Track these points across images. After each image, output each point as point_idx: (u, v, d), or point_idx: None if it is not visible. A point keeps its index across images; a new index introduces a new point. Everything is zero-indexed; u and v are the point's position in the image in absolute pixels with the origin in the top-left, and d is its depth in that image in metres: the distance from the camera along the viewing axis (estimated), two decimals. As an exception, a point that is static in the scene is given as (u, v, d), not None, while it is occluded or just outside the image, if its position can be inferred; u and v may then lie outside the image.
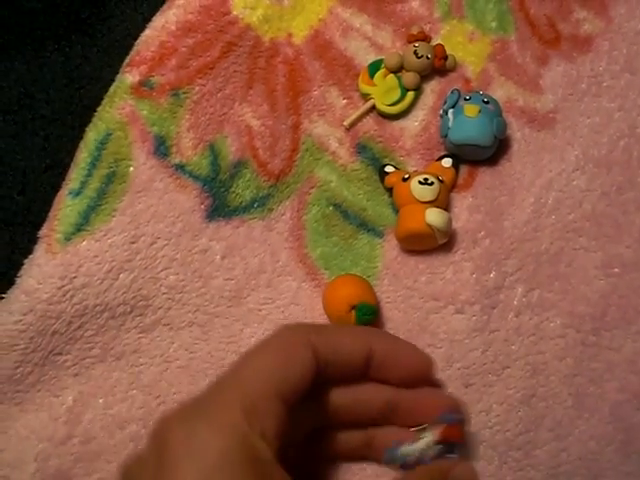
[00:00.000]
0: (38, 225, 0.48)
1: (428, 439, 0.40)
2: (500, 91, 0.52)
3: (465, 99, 0.49)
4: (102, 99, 0.51)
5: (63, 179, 0.49)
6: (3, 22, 0.57)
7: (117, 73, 0.51)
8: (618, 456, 0.44)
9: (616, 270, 0.47)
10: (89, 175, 0.49)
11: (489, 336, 0.47)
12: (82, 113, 0.53)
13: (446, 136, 0.49)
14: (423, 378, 0.42)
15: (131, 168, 0.49)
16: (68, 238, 0.47)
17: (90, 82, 0.55)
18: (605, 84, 0.52)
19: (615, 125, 0.51)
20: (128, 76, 0.50)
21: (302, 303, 0.48)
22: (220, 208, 0.49)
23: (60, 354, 0.46)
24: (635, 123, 0.50)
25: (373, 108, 0.52)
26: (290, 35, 0.53)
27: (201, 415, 0.34)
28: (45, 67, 0.55)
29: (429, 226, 0.46)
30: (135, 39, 0.52)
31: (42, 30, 0.56)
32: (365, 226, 0.50)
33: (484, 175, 0.50)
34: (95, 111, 0.51)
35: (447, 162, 0.49)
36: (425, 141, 0.51)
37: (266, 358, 0.37)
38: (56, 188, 0.49)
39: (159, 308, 0.48)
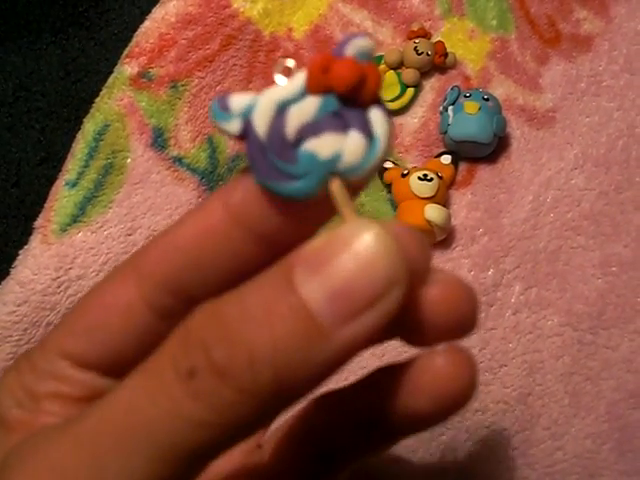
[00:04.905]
0: (32, 218, 0.48)
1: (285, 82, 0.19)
2: (500, 89, 0.52)
3: (465, 96, 0.49)
4: (98, 92, 0.50)
5: (58, 172, 0.49)
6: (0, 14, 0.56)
7: (114, 67, 0.51)
8: (614, 455, 0.44)
9: (614, 269, 0.47)
10: (86, 166, 0.48)
11: (486, 334, 0.46)
12: (78, 106, 0.52)
13: (446, 133, 0.49)
14: None
15: (128, 160, 0.49)
16: (64, 229, 0.47)
17: (87, 75, 0.55)
18: (604, 84, 0.52)
19: (614, 125, 0.51)
20: (127, 67, 0.50)
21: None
22: (217, 202, 0.49)
23: (54, 346, 0.46)
24: (634, 123, 0.51)
25: (372, 104, 0.51)
26: (290, 30, 0.53)
27: None
28: (42, 60, 0.55)
29: (428, 222, 0.45)
30: (133, 33, 0.51)
31: (39, 22, 0.56)
32: (363, 222, 0.49)
33: (483, 173, 0.50)
34: (91, 104, 0.50)
35: (446, 159, 0.49)
36: (424, 138, 0.51)
37: None
38: (51, 181, 0.48)
39: (155, 301, 0.47)
